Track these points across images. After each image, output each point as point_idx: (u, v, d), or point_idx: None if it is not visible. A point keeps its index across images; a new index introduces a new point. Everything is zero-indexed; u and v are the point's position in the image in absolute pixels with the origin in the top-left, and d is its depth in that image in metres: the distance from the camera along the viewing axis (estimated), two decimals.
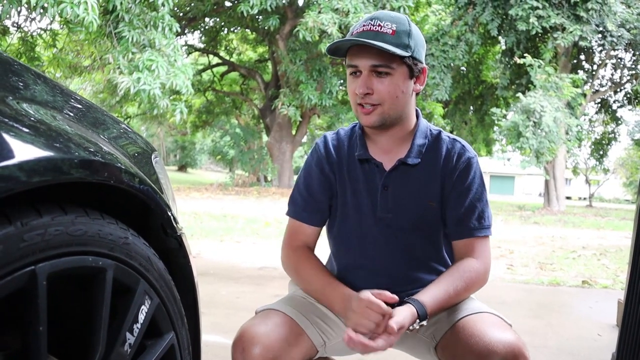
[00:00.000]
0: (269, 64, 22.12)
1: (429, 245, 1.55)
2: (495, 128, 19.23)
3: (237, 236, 7.08)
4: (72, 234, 0.78)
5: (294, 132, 20.04)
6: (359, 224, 1.53)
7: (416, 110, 1.55)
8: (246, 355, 1.30)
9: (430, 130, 1.55)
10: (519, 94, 14.95)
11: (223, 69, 23.12)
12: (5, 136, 0.70)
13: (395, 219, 1.50)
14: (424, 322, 1.33)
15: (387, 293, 1.29)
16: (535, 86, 14.72)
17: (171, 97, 12.26)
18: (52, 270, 0.74)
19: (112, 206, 0.95)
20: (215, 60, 22.77)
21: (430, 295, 1.38)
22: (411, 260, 1.53)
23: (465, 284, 1.43)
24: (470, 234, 1.48)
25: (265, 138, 22.76)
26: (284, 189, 18.56)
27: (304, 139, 22.41)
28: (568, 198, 20.27)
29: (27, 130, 0.77)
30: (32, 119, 0.82)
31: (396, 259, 1.52)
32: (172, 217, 1.07)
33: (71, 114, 1.00)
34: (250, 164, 21.40)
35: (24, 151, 0.71)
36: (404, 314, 1.28)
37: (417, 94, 1.51)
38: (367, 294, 1.28)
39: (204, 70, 22.28)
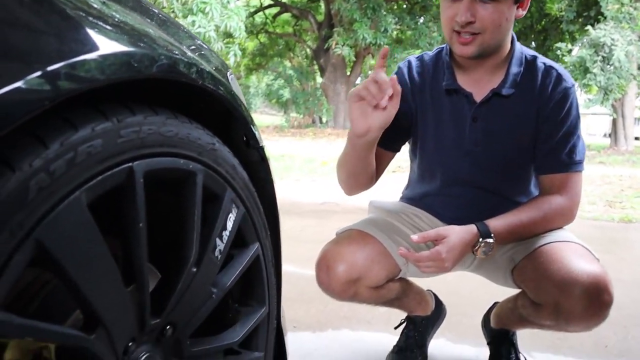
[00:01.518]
0: (322, 3, 21.62)
1: (516, 179, 1.49)
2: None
3: (296, 175, 7.13)
4: (164, 134, 0.77)
5: (348, 72, 19.75)
6: (442, 156, 1.48)
7: (511, 35, 1.43)
8: (331, 273, 1.30)
9: (525, 56, 1.43)
10: (588, 27, 14.08)
11: (275, 10, 22.78)
12: (91, 32, 0.68)
13: (483, 153, 1.43)
14: (489, 240, 1.29)
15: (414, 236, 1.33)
16: (605, 18, 13.79)
17: (224, 41, 12.22)
18: (147, 169, 0.73)
19: (194, 115, 0.94)
20: (267, 1, 22.43)
21: (500, 219, 1.34)
22: (496, 194, 1.48)
23: (544, 216, 1.37)
24: (559, 169, 1.40)
25: (319, 79, 22.54)
26: (339, 130, 18.47)
27: (358, 80, 22.08)
28: (637, 139, 19.29)
29: (111, 28, 0.75)
30: (116, 19, 0.80)
31: (481, 193, 1.47)
32: (254, 129, 1.05)
33: (152, 21, 0.97)
34: (304, 105, 21.34)
35: (110, 46, 0.69)
36: (457, 230, 1.25)
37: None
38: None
39: (256, 12, 22.01)
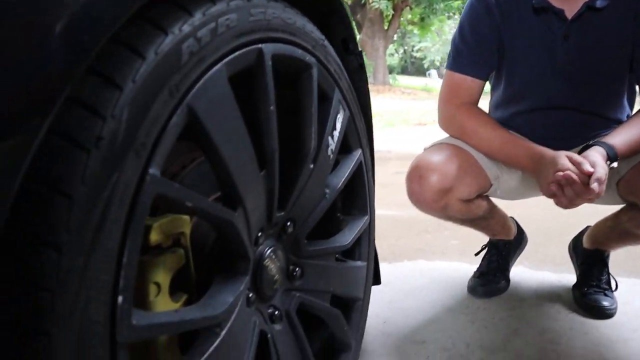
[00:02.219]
0: None
1: (608, 95, 1.42)
2: None
3: None
4: (285, 20, 0.75)
5: (385, 27, 19.30)
6: (533, 79, 1.42)
7: None
8: (423, 183, 1.28)
9: None
10: None
11: None
12: None
13: (576, 71, 1.37)
14: (615, 164, 1.24)
15: (586, 165, 1.16)
16: None
17: None
18: (273, 52, 0.72)
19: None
20: None
21: (619, 137, 1.28)
22: (588, 112, 1.41)
23: None
24: None
25: (357, 35, 22.12)
26: (378, 85, 18.19)
27: (395, 36, 21.59)
28: None
29: None
30: None
31: (573, 112, 1.41)
32: (354, 32, 1.02)
33: None
34: None
35: None
36: (595, 157, 1.19)
37: None
38: (566, 164, 1.17)
39: None
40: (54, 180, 0.44)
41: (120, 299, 0.49)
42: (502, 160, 1.39)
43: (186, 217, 0.68)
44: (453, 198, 1.32)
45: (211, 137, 0.60)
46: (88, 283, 0.46)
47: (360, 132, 1.03)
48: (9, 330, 0.43)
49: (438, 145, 1.41)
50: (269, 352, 0.79)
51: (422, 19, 17.87)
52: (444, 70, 1.54)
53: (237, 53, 0.64)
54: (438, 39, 26.23)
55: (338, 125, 0.92)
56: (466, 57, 1.42)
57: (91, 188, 0.46)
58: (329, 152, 0.89)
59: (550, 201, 1.25)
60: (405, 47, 33.52)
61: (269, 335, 0.80)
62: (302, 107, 0.82)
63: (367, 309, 1.14)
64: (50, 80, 0.42)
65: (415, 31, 20.71)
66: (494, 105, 1.57)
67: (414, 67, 36.03)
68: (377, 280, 1.23)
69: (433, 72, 24.54)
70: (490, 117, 1.44)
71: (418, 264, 1.95)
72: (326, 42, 0.88)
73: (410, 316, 1.51)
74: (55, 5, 0.42)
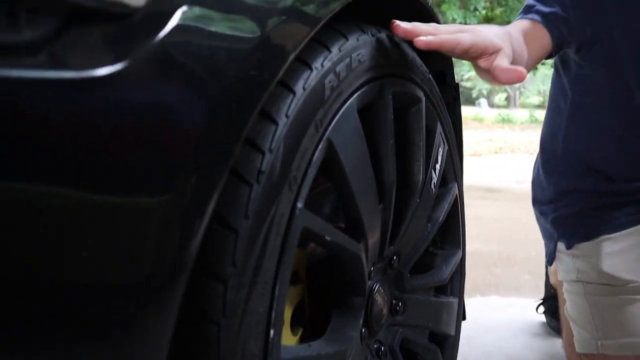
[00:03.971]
0: None
1: None
2: None
3: None
4: (402, 54, 0.76)
5: None
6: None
7: None
8: None
9: None
10: None
11: None
12: None
13: None
14: None
15: None
16: None
17: None
18: (392, 87, 0.72)
19: None
20: None
21: None
22: None
23: None
24: None
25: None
26: None
27: None
28: None
29: None
30: None
31: None
32: (452, 66, 1.02)
33: None
34: None
35: None
36: None
37: None
38: None
39: None
40: (222, 214, 0.45)
41: (272, 332, 0.49)
42: None
43: (302, 251, 0.69)
44: None
45: (344, 170, 0.60)
46: (249, 316, 0.46)
47: (456, 166, 1.02)
48: None
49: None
50: None
51: None
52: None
53: (364, 88, 0.65)
54: None
55: (439, 159, 0.92)
56: (556, 13, 1.05)
57: (253, 221, 0.46)
58: (432, 186, 0.89)
59: None
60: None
61: None
62: (411, 141, 0.81)
63: (458, 345, 1.11)
64: (233, 126, 0.43)
65: (464, 60, 20.50)
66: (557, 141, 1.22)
67: (463, 96, 35.79)
68: (463, 316, 1.20)
69: (483, 101, 24.31)
70: None
71: (492, 300, 1.90)
72: (429, 76, 0.89)
73: (491, 353, 1.47)
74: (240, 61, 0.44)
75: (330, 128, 0.57)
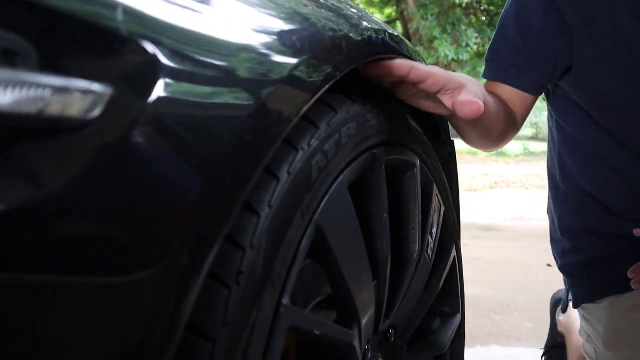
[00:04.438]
0: (398, 23, 21.62)
1: None
2: None
3: None
4: (394, 122, 0.73)
5: None
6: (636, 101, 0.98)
7: None
8: None
9: None
10: None
11: None
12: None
13: None
14: None
15: None
16: None
17: None
18: (385, 156, 0.69)
19: None
20: None
21: None
22: None
23: None
24: None
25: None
26: None
27: None
28: None
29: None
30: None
31: None
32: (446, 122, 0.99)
33: None
34: None
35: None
36: None
37: None
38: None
39: None
40: (197, 323, 0.41)
41: None
42: None
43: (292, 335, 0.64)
44: None
45: (335, 255, 0.56)
46: None
47: (453, 226, 0.98)
48: None
49: None
50: None
51: None
52: None
53: (356, 162, 0.62)
54: None
55: (436, 222, 0.88)
56: (506, 57, 1.01)
57: (232, 329, 0.42)
58: (429, 252, 0.85)
59: None
60: None
61: None
62: (406, 209, 0.78)
63: None
64: (212, 222, 0.39)
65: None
66: (561, 177, 1.14)
67: None
68: None
69: None
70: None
71: (493, 350, 1.84)
72: (424, 137, 0.85)
73: None
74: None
75: (318, 213, 0.53)
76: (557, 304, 1.52)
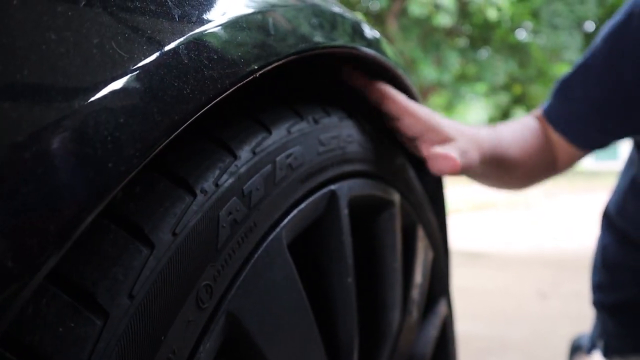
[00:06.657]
0: None
1: None
2: None
3: None
4: (363, 144, 0.53)
5: None
6: None
7: None
8: None
9: None
10: None
11: None
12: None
13: None
14: None
15: None
16: None
17: None
18: (350, 194, 0.48)
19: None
20: None
21: None
22: None
23: None
24: None
25: None
26: None
27: None
28: None
29: None
30: None
31: None
32: None
33: None
34: None
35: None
36: None
37: None
38: None
39: None
40: None
41: None
42: None
43: None
44: None
45: (263, 354, 0.36)
46: None
47: (444, 275, 0.78)
48: None
49: None
50: None
51: (448, 103, 18.07)
52: None
53: (301, 206, 0.41)
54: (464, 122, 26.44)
55: (422, 272, 0.68)
56: (560, 106, 0.86)
57: None
58: (414, 311, 0.64)
59: None
60: None
61: None
62: (381, 262, 0.57)
63: None
64: None
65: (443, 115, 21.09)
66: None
67: None
68: None
69: None
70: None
71: None
72: (406, 164, 0.66)
73: None
74: None
75: (231, 295, 0.33)
76: (577, 351, 1.33)
